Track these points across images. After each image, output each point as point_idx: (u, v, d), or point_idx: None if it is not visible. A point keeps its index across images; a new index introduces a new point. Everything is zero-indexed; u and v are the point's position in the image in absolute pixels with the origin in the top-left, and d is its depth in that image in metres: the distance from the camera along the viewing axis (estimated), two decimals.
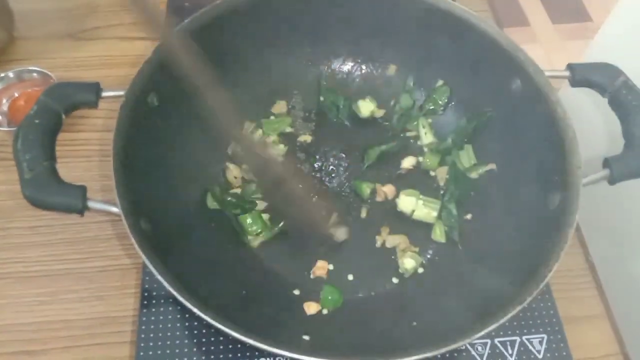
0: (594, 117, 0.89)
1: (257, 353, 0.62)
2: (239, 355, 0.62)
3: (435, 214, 0.70)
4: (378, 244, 0.69)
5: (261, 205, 0.70)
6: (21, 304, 0.65)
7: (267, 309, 0.63)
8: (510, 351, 0.63)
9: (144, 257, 0.53)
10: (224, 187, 0.71)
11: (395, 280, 0.67)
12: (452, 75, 0.76)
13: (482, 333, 0.52)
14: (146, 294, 0.64)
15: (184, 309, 0.59)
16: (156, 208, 0.60)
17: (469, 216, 0.71)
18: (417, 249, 0.68)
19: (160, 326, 0.63)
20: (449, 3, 0.71)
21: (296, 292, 0.66)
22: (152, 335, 0.62)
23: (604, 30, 0.91)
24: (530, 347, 0.63)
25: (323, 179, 0.74)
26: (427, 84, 0.78)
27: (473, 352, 0.63)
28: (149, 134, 0.63)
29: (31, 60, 0.81)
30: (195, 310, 0.51)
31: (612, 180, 0.60)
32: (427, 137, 0.76)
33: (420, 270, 0.68)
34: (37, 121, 0.57)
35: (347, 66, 0.80)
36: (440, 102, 0.77)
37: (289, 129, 0.77)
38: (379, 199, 0.72)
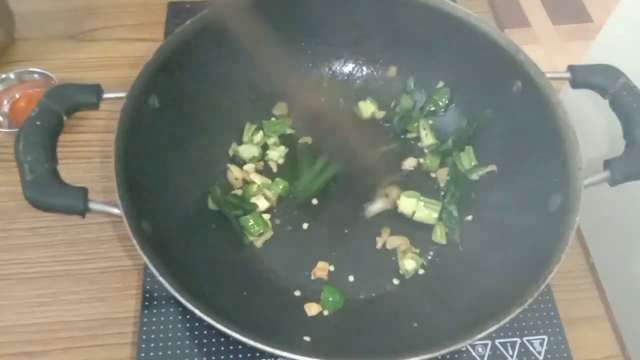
0: (595, 119, 0.89)
1: (257, 354, 0.62)
2: (240, 356, 0.62)
3: (436, 215, 0.70)
4: (379, 245, 0.69)
5: (262, 206, 0.70)
6: (22, 305, 0.65)
7: (267, 310, 0.63)
8: (510, 352, 0.63)
9: (145, 258, 0.53)
10: (225, 188, 0.71)
11: (395, 281, 0.67)
12: (453, 76, 0.76)
13: (483, 334, 0.52)
14: (147, 295, 0.65)
15: (185, 310, 0.59)
16: (157, 209, 0.61)
17: (469, 217, 0.71)
18: (417, 250, 0.68)
19: (162, 327, 0.63)
20: (449, 4, 0.71)
21: (297, 293, 0.66)
22: (153, 336, 0.62)
23: (605, 31, 0.91)
24: (531, 348, 0.63)
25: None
26: (428, 86, 0.78)
27: (474, 353, 0.63)
28: (150, 136, 0.63)
29: (32, 62, 0.81)
30: (196, 311, 0.51)
31: (612, 182, 0.60)
32: (427, 139, 0.76)
33: (421, 271, 0.68)
34: (38, 123, 0.57)
35: (348, 67, 0.80)
36: (440, 104, 0.77)
37: (289, 130, 0.77)
38: (382, 200, 0.72)
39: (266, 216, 0.70)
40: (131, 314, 0.65)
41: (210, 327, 0.57)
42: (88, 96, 0.61)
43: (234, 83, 0.74)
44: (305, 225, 0.70)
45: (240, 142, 0.75)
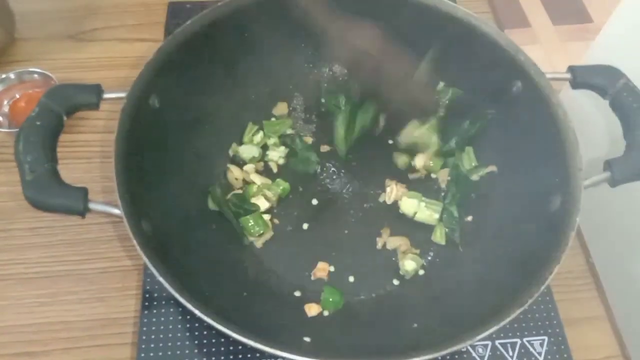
0: (595, 119, 0.89)
1: (257, 354, 0.62)
2: (239, 356, 0.62)
3: (437, 216, 0.70)
4: (379, 245, 0.69)
5: (262, 206, 0.70)
6: (22, 306, 0.65)
7: (267, 310, 0.63)
8: (511, 353, 0.63)
9: (145, 259, 0.53)
10: (225, 188, 0.71)
11: (395, 281, 0.67)
12: (453, 77, 0.76)
13: (483, 335, 0.52)
14: (147, 296, 0.65)
15: (185, 311, 0.59)
16: (157, 209, 0.60)
17: (469, 218, 0.71)
18: (417, 251, 0.68)
19: (162, 327, 0.63)
20: (449, 5, 0.71)
21: (297, 293, 0.66)
22: (153, 336, 0.62)
23: (605, 32, 0.91)
24: (531, 349, 0.63)
25: (324, 180, 0.74)
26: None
27: (474, 354, 0.63)
28: (150, 136, 0.63)
29: (32, 62, 0.81)
30: (196, 311, 0.51)
31: (613, 183, 0.60)
32: (433, 143, 0.76)
33: (421, 272, 0.68)
34: (38, 123, 0.57)
35: None
36: (441, 104, 0.77)
37: (290, 131, 0.77)
38: (386, 198, 0.72)
39: (266, 216, 0.70)
40: (131, 314, 0.65)
41: (210, 327, 0.57)
42: (88, 96, 0.61)
43: (234, 83, 0.74)
44: (305, 226, 0.70)
45: (240, 143, 0.75)
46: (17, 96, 0.78)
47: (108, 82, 0.63)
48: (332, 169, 0.75)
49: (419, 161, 0.74)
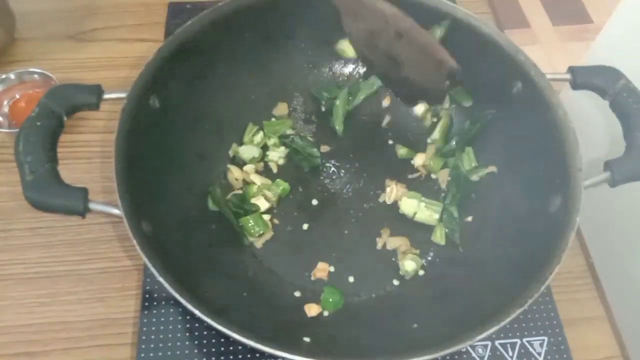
0: (595, 120, 0.89)
1: (257, 355, 0.62)
2: (239, 357, 0.62)
3: (437, 216, 0.70)
4: (379, 245, 0.69)
5: (263, 206, 0.70)
6: (22, 306, 0.65)
7: (267, 310, 0.63)
8: (510, 353, 0.63)
9: (145, 259, 0.53)
10: (225, 188, 0.71)
11: (395, 282, 0.67)
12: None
13: (483, 335, 0.52)
14: (147, 296, 0.65)
15: (185, 311, 0.59)
16: (157, 210, 0.61)
17: (469, 218, 0.71)
18: (417, 251, 0.68)
19: (161, 328, 0.63)
20: (449, 5, 0.71)
21: (297, 294, 0.66)
22: (153, 337, 0.62)
23: (605, 32, 0.91)
24: (531, 349, 0.63)
25: (324, 180, 0.74)
26: None
27: (474, 354, 0.63)
28: (150, 136, 0.63)
29: (32, 62, 0.81)
30: (196, 311, 0.51)
31: (613, 183, 0.60)
32: (436, 132, 0.76)
33: (421, 272, 0.68)
34: (38, 123, 0.57)
35: (349, 68, 0.80)
36: (441, 105, 0.77)
37: (290, 131, 0.77)
38: (386, 198, 0.72)
39: (266, 217, 0.70)
40: (131, 315, 0.65)
41: (210, 328, 0.56)
42: (88, 96, 0.61)
43: (234, 83, 0.74)
44: (305, 226, 0.70)
45: (240, 143, 0.75)
46: (17, 96, 0.78)
47: (108, 82, 0.63)
48: (332, 169, 0.75)
49: (419, 160, 0.75)
